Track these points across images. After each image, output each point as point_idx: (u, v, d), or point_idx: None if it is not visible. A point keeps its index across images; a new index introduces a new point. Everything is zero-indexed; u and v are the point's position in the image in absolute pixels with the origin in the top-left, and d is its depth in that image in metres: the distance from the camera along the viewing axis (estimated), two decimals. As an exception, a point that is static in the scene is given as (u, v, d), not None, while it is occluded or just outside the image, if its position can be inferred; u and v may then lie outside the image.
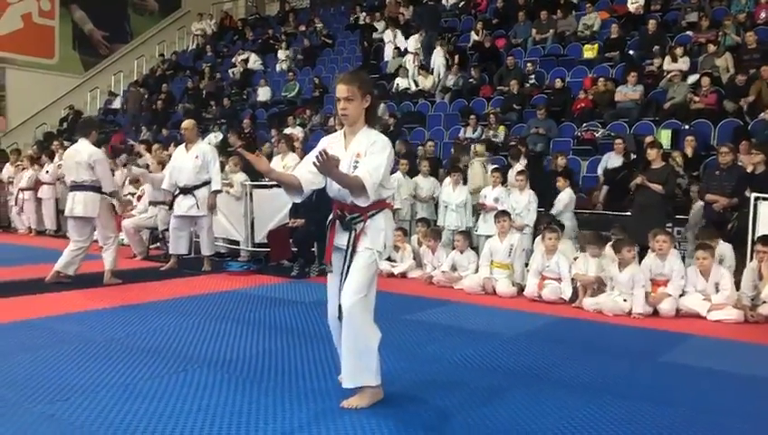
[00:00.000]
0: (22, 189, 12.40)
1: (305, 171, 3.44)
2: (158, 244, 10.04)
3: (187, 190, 8.00)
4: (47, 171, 12.23)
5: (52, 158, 12.60)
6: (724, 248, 6.71)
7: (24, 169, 12.73)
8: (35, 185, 12.27)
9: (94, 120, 7.87)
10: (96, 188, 6.96)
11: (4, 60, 19.56)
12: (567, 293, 6.63)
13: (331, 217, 3.56)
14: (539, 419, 3.35)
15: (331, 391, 3.62)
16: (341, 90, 3.41)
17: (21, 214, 12.71)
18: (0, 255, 9.62)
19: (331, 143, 3.53)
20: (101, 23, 21.72)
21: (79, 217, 6.96)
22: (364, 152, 3.38)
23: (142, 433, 3.05)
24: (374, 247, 3.40)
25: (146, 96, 18.29)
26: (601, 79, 11.34)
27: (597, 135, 10.42)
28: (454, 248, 7.78)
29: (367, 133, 3.45)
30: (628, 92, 10.78)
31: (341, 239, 3.46)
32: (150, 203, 9.37)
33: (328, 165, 3.12)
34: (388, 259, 8.21)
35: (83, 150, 6.97)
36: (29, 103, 18.98)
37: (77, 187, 6.97)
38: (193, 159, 7.97)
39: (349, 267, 3.38)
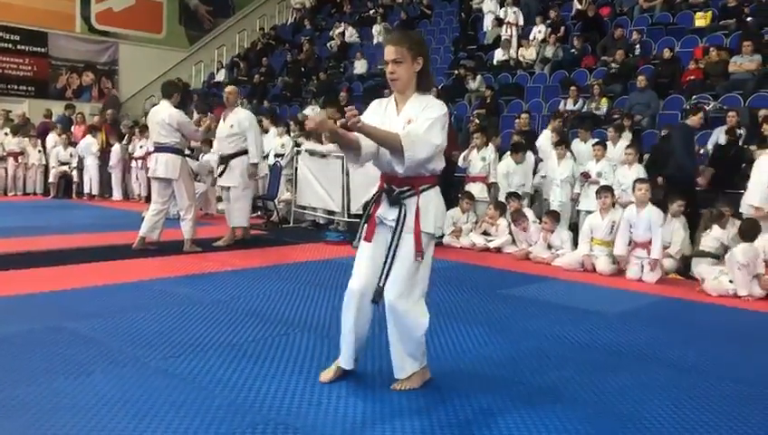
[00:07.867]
0: (135, 159, 13.07)
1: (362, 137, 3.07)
2: (259, 212, 10.35)
3: (222, 159, 7.70)
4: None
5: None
6: None
7: (131, 140, 13.42)
8: (145, 155, 12.90)
9: (178, 83, 7.87)
10: (177, 150, 7.00)
11: (117, 35, 20.65)
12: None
13: (375, 191, 3.29)
14: (645, 398, 3.25)
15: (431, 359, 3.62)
16: (389, 51, 3.11)
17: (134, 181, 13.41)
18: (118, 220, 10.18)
19: (380, 108, 3.27)
20: (206, -2, 22.50)
21: (160, 179, 7.01)
22: (416, 117, 3.07)
23: (248, 391, 3.17)
24: (424, 229, 3.12)
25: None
26: (714, 48, 10.69)
27: (708, 108, 9.86)
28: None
29: (419, 99, 3.15)
30: (744, 63, 10.14)
31: (390, 214, 3.17)
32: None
33: (320, 126, 2.93)
34: (484, 233, 8.17)
35: (163, 111, 6.97)
36: (139, 77, 19.93)
37: (159, 148, 7.04)
38: (228, 127, 7.49)
39: (397, 247, 3.12)
